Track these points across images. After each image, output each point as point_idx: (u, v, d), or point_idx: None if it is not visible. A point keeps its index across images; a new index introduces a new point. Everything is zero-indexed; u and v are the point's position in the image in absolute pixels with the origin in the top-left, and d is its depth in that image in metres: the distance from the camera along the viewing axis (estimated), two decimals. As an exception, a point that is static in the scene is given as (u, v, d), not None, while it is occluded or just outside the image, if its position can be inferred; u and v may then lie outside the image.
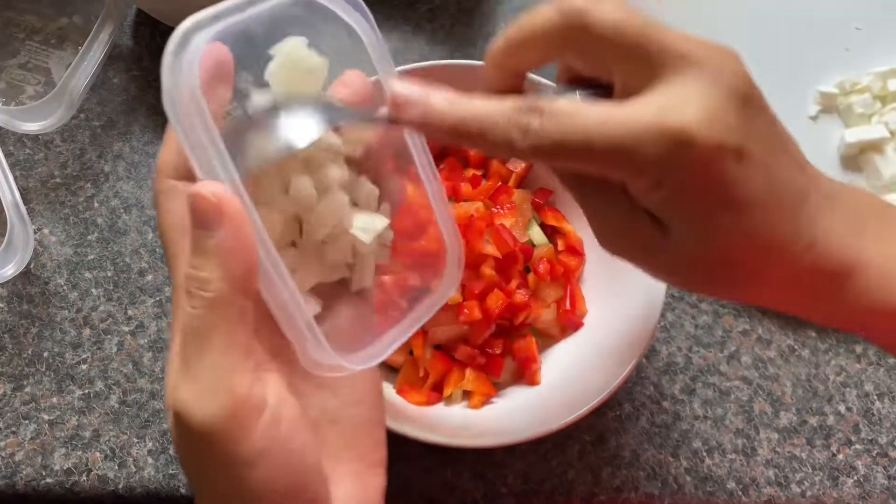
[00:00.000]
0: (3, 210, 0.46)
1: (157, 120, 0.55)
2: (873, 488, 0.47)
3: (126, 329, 0.48)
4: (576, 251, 0.48)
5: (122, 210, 0.52)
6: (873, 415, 0.49)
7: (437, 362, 0.44)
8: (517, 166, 0.49)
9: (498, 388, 0.45)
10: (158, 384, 0.47)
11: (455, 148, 0.50)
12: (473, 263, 0.44)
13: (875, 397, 0.49)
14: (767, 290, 0.28)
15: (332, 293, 0.31)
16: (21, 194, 0.48)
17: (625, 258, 0.29)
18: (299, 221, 0.30)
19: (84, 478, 0.44)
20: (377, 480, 0.31)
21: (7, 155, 0.52)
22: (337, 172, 0.30)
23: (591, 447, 0.47)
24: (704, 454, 0.47)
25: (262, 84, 0.29)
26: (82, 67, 0.51)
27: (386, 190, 0.32)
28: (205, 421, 0.24)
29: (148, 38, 0.57)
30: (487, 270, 0.44)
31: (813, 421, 0.48)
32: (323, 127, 0.28)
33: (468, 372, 0.44)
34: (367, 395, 0.31)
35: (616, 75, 0.26)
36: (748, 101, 0.25)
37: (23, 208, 0.47)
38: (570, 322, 0.46)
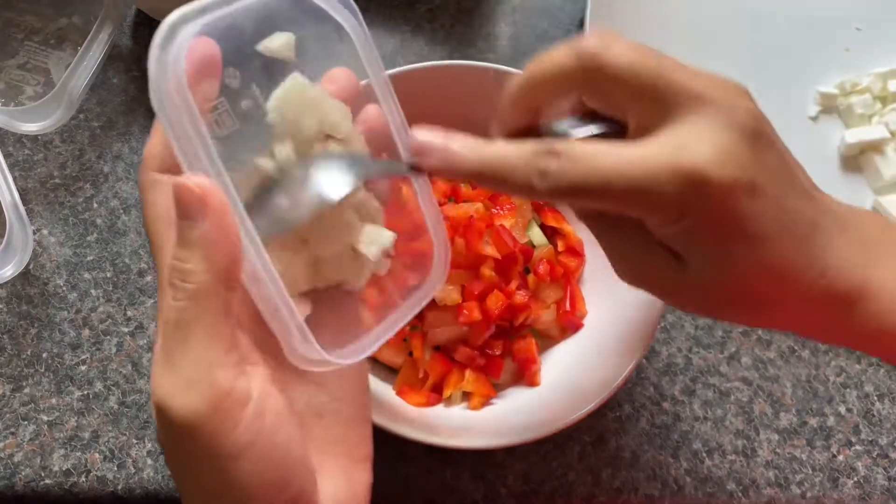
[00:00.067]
0: (3, 211, 0.46)
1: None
2: (873, 489, 0.47)
3: (125, 330, 0.48)
4: (576, 252, 0.47)
5: (121, 211, 0.52)
6: (873, 416, 0.49)
7: (436, 363, 0.44)
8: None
9: (497, 389, 0.45)
10: (158, 385, 0.47)
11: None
12: (473, 264, 0.44)
13: (875, 398, 0.49)
14: (781, 316, 0.29)
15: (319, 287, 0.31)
16: (20, 195, 0.48)
17: (642, 288, 0.30)
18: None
19: (83, 479, 0.44)
20: (364, 475, 0.31)
21: (6, 155, 0.52)
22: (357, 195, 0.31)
23: (591, 448, 0.47)
24: (704, 455, 0.47)
25: (249, 82, 0.29)
26: (82, 68, 0.51)
27: (374, 190, 0.32)
28: (187, 414, 0.24)
29: (147, 39, 0.57)
30: (487, 271, 0.44)
31: (813, 422, 0.48)
32: (353, 183, 0.28)
33: (468, 373, 0.44)
34: (354, 391, 0.32)
35: (630, 115, 0.27)
36: (758, 137, 0.26)
37: (22, 209, 0.47)
38: (569, 323, 0.46)
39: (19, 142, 0.53)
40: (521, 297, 0.44)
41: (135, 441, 0.45)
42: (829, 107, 0.58)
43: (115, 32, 0.53)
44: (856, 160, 0.56)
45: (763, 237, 0.26)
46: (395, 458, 0.45)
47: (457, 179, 0.27)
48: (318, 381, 0.30)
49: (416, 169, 0.28)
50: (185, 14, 0.25)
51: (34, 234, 0.50)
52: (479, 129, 0.49)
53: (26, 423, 0.46)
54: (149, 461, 0.45)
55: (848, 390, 0.49)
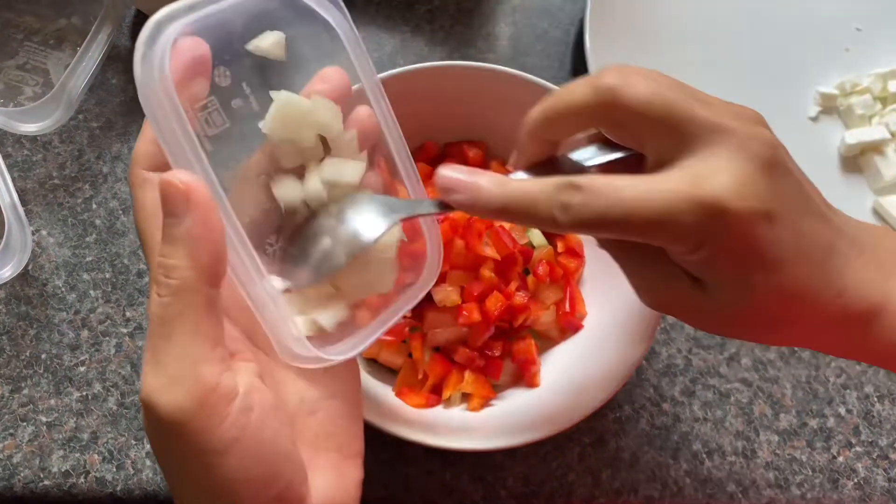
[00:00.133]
0: (1, 211, 0.46)
1: (156, 121, 0.55)
2: (873, 490, 0.47)
3: (124, 331, 0.48)
4: (575, 253, 0.47)
5: (120, 211, 0.51)
6: (873, 417, 0.49)
7: (436, 364, 0.44)
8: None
9: (497, 390, 0.45)
10: (157, 386, 0.47)
11: (454, 151, 0.50)
12: (473, 265, 0.44)
13: (875, 399, 0.49)
14: (799, 335, 0.30)
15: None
16: (19, 195, 0.48)
17: (665, 312, 0.31)
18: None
19: (82, 480, 0.44)
20: (354, 472, 0.31)
21: (5, 156, 0.52)
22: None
23: (590, 449, 0.46)
24: (704, 456, 0.47)
25: (239, 81, 0.29)
26: (81, 68, 0.51)
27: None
28: (172, 410, 0.25)
29: (146, 39, 0.57)
30: (487, 272, 0.44)
31: (813, 423, 0.48)
32: (386, 225, 0.30)
33: (467, 374, 0.44)
34: (345, 387, 0.32)
35: (648, 147, 0.28)
36: (774, 166, 0.27)
37: (21, 210, 0.47)
38: (569, 324, 0.46)
39: (18, 142, 0.53)
40: (520, 298, 0.44)
41: (134, 442, 0.45)
42: (829, 107, 0.58)
43: (114, 33, 0.53)
44: (856, 161, 0.56)
45: (781, 262, 0.27)
46: (394, 459, 0.45)
47: (483, 216, 0.28)
48: (311, 377, 0.31)
49: (444, 207, 0.29)
50: (172, 12, 0.25)
51: (33, 234, 0.50)
52: (479, 130, 0.49)
53: (25, 424, 0.45)
54: (148, 462, 0.45)
55: (848, 391, 0.49)
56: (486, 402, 0.44)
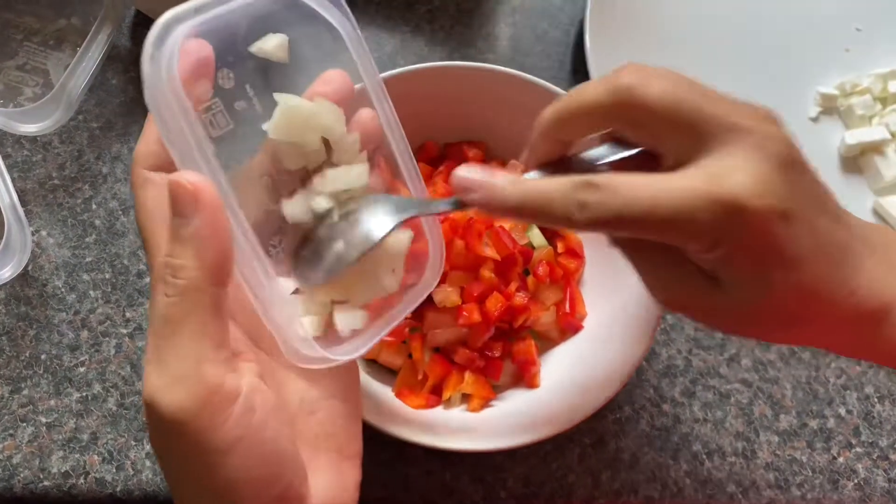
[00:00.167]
0: (1, 212, 0.46)
1: (156, 121, 0.55)
2: (874, 491, 0.47)
3: (124, 331, 0.48)
4: (575, 253, 0.47)
5: (120, 212, 0.51)
6: (874, 417, 0.48)
7: (436, 365, 0.44)
8: (517, 168, 0.49)
9: (497, 391, 0.45)
10: (156, 387, 0.47)
11: (454, 151, 0.50)
12: (473, 266, 0.44)
13: (875, 400, 0.49)
14: (812, 333, 0.30)
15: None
16: (19, 196, 0.48)
17: (678, 311, 0.31)
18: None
19: (82, 481, 0.44)
20: (353, 472, 0.31)
21: (5, 157, 0.52)
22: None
23: (590, 450, 0.46)
24: (704, 457, 0.47)
25: (243, 83, 0.29)
26: (80, 69, 0.51)
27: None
28: (175, 410, 0.25)
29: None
30: (487, 273, 0.44)
31: (813, 424, 0.48)
32: (396, 221, 0.30)
33: (467, 375, 0.44)
34: (346, 388, 0.32)
35: (665, 146, 0.28)
36: (791, 165, 0.27)
37: (20, 210, 0.47)
38: (569, 325, 0.46)
39: (18, 143, 0.53)
40: (520, 298, 0.44)
41: (133, 443, 0.45)
42: (830, 108, 0.58)
43: (114, 33, 0.53)
44: (856, 161, 0.56)
45: (800, 260, 0.27)
46: (394, 459, 0.45)
47: (499, 216, 0.28)
48: (311, 378, 0.31)
49: (459, 205, 0.29)
50: (179, 13, 0.26)
51: (33, 235, 0.50)
52: (479, 130, 0.49)
53: (25, 424, 0.45)
54: (147, 463, 0.45)
55: (848, 392, 0.49)
56: (486, 403, 0.44)
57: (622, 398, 0.48)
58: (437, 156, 0.49)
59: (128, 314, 0.48)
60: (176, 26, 0.25)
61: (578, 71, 0.57)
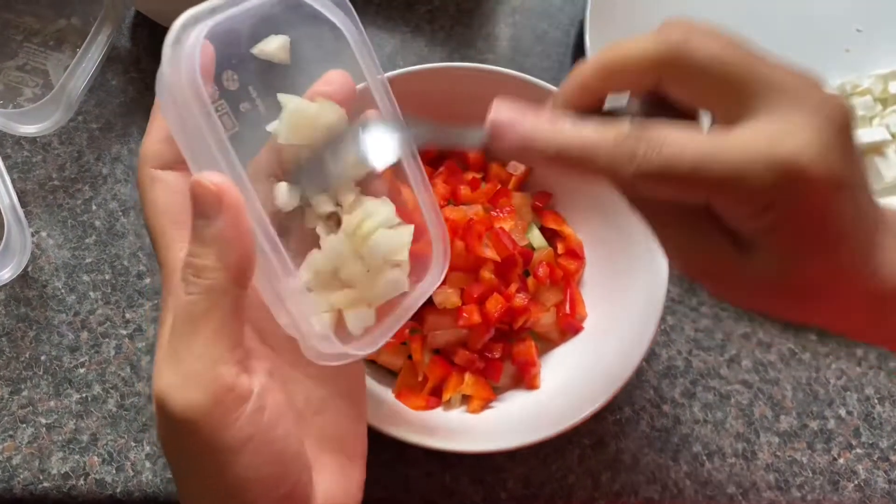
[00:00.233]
0: (1, 213, 0.46)
1: (156, 122, 0.54)
2: (874, 492, 0.47)
3: (124, 332, 0.48)
4: (575, 254, 0.47)
5: (120, 213, 0.51)
6: (874, 419, 0.48)
7: (435, 367, 0.44)
8: (517, 169, 0.49)
9: (497, 392, 0.45)
10: (156, 388, 0.47)
11: (454, 152, 0.50)
12: (473, 267, 0.44)
13: (876, 401, 0.49)
14: (828, 312, 0.29)
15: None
16: (19, 197, 0.47)
17: (695, 278, 0.30)
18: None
19: (81, 482, 0.44)
20: (357, 473, 0.31)
21: (5, 157, 0.52)
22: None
23: (590, 451, 0.46)
24: (704, 458, 0.47)
25: (246, 85, 0.30)
26: (80, 69, 0.51)
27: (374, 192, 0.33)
28: (187, 408, 0.25)
29: (146, 40, 0.57)
30: (487, 274, 0.44)
31: (813, 425, 0.48)
32: (418, 142, 0.29)
33: (467, 376, 0.44)
34: (352, 388, 0.32)
35: (714, 106, 0.27)
36: (847, 132, 0.26)
37: (20, 211, 0.47)
38: (569, 326, 0.46)
39: (18, 144, 0.53)
40: (520, 299, 0.44)
41: (133, 444, 0.45)
42: (830, 108, 0.58)
43: (114, 34, 0.53)
44: (856, 162, 0.56)
45: (843, 235, 0.26)
46: (394, 460, 0.45)
47: (533, 164, 0.26)
48: (318, 377, 0.31)
49: (491, 148, 0.27)
50: (196, 14, 0.26)
51: (32, 236, 0.50)
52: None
53: (24, 425, 0.45)
54: (147, 464, 0.45)
55: (848, 393, 0.49)
56: (486, 404, 0.44)
57: (622, 399, 0.48)
58: (437, 157, 0.49)
59: (127, 315, 0.48)
60: (194, 27, 0.26)
61: (578, 71, 0.57)
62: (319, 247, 0.30)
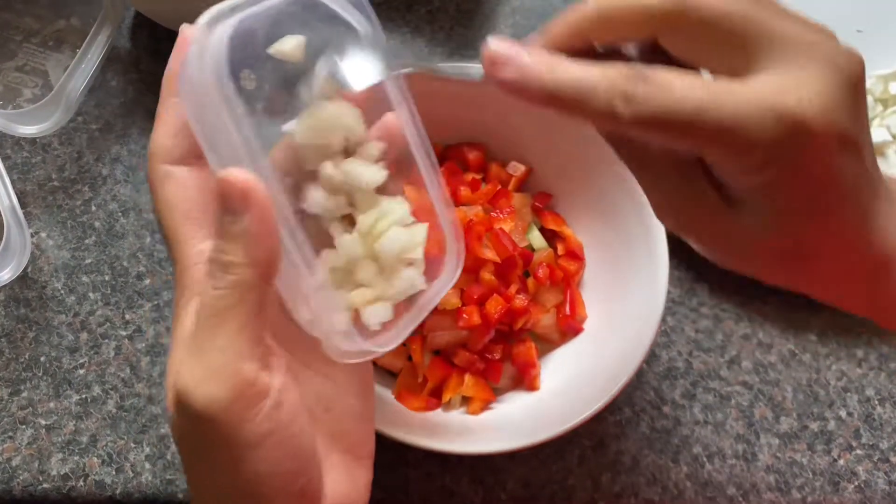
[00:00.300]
0: (0, 214, 0.46)
1: (156, 123, 0.54)
2: (874, 494, 0.46)
3: (124, 333, 0.48)
4: (576, 255, 0.47)
5: (119, 214, 0.51)
6: (874, 420, 0.48)
7: (435, 368, 0.44)
8: (517, 170, 0.49)
9: (497, 393, 0.45)
10: (156, 389, 0.47)
11: (454, 153, 0.50)
12: (473, 268, 0.44)
13: (876, 402, 0.49)
14: (818, 278, 0.28)
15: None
16: (18, 198, 0.47)
17: (680, 233, 0.29)
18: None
19: (81, 483, 0.44)
20: (365, 472, 0.31)
21: (4, 158, 0.52)
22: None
23: (590, 452, 0.46)
24: (705, 459, 0.47)
25: (262, 84, 0.30)
26: (80, 70, 0.50)
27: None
28: (208, 402, 0.25)
29: (146, 41, 0.57)
30: (487, 275, 0.44)
31: (814, 426, 0.48)
32: (384, 72, 0.29)
33: (467, 377, 0.44)
34: (361, 387, 0.32)
35: (717, 60, 0.26)
36: (858, 87, 0.25)
37: (20, 212, 0.46)
38: (569, 327, 0.46)
39: (17, 144, 0.53)
40: (520, 300, 0.44)
41: (133, 445, 0.45)
42: (830, 109, 0.58)
43: (114, 34, 0.53)
44: (857, 163, 0.56)
45: (842, 196, 0.25)
46: (394, 461, 0.45)
47: (529, 101, 0.25)
48: (329, 376, 0.31)
49: (487, 81, 0.26)
50: (217, 14, 0.26)
51: (32, 237, 0.50)
52: (479, 132, 0.49)
53: (24, 427, 0.45)
54: (147, 465, 0.45)
55: (849, 394, 0.49)
56: (485, 406, 0.44)
57: (622, 400, 0.48)
58: (438, 157, 0.49)
59: (127, 316, 0.48)
60: (217, 24, 0.26)
61: (579, 72, 0.57)
62: (334, 247, 0.30)
